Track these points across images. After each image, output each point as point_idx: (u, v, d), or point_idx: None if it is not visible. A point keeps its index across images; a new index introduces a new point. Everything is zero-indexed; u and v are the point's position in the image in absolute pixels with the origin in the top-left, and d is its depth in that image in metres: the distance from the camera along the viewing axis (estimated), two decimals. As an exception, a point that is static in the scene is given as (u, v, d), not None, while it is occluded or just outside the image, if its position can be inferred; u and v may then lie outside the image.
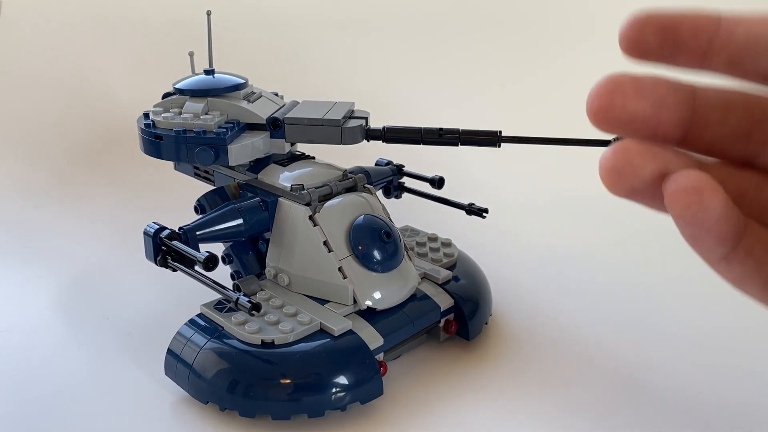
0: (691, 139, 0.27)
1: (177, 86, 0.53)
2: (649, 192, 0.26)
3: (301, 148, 0.57)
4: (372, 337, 0.46)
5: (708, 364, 0.50)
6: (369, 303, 0.48)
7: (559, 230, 0.72)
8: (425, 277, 0.52)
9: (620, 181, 0.26)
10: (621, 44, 0.27)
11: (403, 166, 0.61)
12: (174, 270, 0.46)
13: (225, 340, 0.45)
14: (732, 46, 0.26)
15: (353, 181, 0.52)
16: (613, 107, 0.26)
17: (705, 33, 0.26)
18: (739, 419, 0.45)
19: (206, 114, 0.51)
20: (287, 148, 0.52)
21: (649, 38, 0.27)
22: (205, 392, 0.44)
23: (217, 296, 0.47)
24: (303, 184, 0.49)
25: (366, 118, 0.51)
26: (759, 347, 0.52)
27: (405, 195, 0.62)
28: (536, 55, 0.97)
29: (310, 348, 0.44)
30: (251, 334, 0.44)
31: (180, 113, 0.51)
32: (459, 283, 0.53)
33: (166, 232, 0.46)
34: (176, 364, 0.46)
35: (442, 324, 0.51)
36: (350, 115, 0.52)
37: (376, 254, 0.48)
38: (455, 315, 0.52)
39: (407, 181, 0.62)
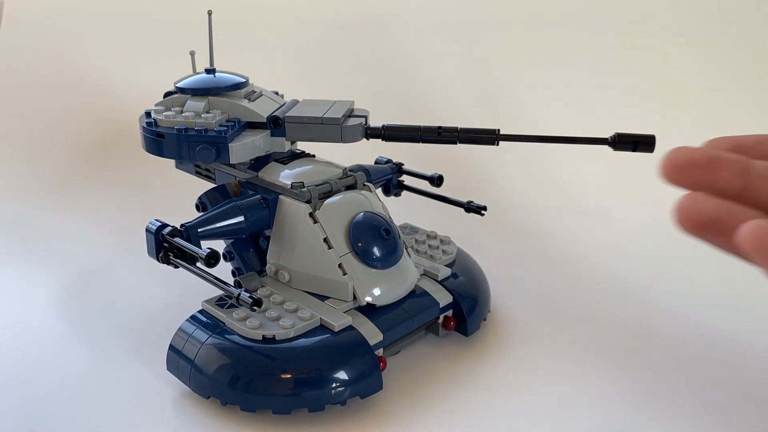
0: (753, 190, 0.33)
1: (178, 85, 0.54)
2: (714, 231, 0.31)
3: (302, 146, 0.57)
4: (372, 333, 0.46)
5: (706, 360, 0.51)
6: (369, 299, 0.48)
7: (557, 227, 0.73)
8: (424, 273, 0.53)
9: (688, 217, 0.32)
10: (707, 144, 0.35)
11: (403, 165, 0.62)
12: (176, 266, 0.46)
13: (226, 336, 0.45)
14: None
15: (353, 179, 0.52)
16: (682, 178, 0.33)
17: (766, 141, 0.35)
18: (738, 418, 0.45)
19: (207, 113, 0.52)
20: (287, 146, 0.53)
21: (723, 145, 0.35)
22: (207, 387, 0.45)
23: (218, 292, 0.47)
24: (303, 182, 0.50)
25: (365, 117, 0.52)
26: (760, 347, 0.53)
27: (404, 193, 0.63)
28: (534, 54, 0.97)
29: (311, 343, 0.45)
30: (252, 330, 0.45)
31: (181, 112, 0.52)
32: (458, 280, 0.53)
33: (168, 229, 0.46)
34: (178, 359, 0.46)
35: (441, 320, 0.52)
36: (350, 114, 0.52)
37: (376, 251, 0.48)
38: (454, 311, 0.52)
39: (406, 179, 0.62)
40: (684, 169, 0.33)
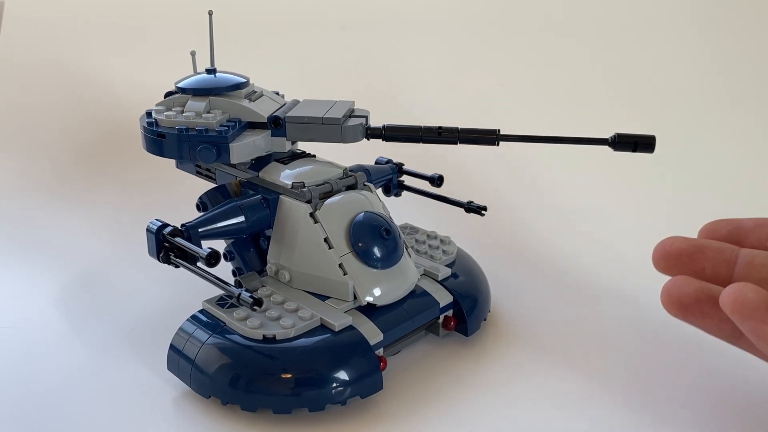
0: (739, 278, 0.35)
1: (179, 85, 0.54)
2: (698, 309, 0.34)
3: (302, 146, 0.57)
4: (372, 333, 0.46)
5: (704, 359, 0.51)
6: (369, 299, 0.48)
7: (556, 227, 0.73)
8: (424, 273, 0.53)
9: (671, 298, 0.35)
10: (700, 235, 0.39)
11: (403, 165, 0.62)
12: (176, 266, 0.46)
13: (227, 336, 0.45)
14: None
15: (353, 179, 0.52)
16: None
17: (766, 225, 0.37)
18: (738, 417, 0.45)
19: (208, 113, 0.52)
20: (288, 146, 0.53)
21: (721, 228, 0.38)
22: (207, 387, 0.45)
23: (219, 292, 0.48)
24: (304, 182, 0.50)
25: (366, 117, 0.52)
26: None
27: (405, 193, 0.63)
28: (535, 54, 0.97)
29: (311, 343, 0.45)
30: (253, 330, 0.45)
31: (182, 112, 0.52)
32: (458, 280, 0.53)
33: (168, 228, 0.46)
34: (179, 359, 0.46)
35: (441, 320, 0.52)
36: (350, 114, 0.52)
37: (376, 251, 0.48)
38: (454, 311, 0.52)
39: (407, 180, 0.62)
40: (672, 259, 0.36)
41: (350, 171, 0.53)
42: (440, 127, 0.49)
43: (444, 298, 0.51)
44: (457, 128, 0.49)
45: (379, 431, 0.44)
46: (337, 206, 0.50)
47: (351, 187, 0.52)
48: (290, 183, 0.50)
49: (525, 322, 0.56)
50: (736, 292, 0.30)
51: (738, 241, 0.37)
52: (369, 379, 0.45)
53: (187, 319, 0.48)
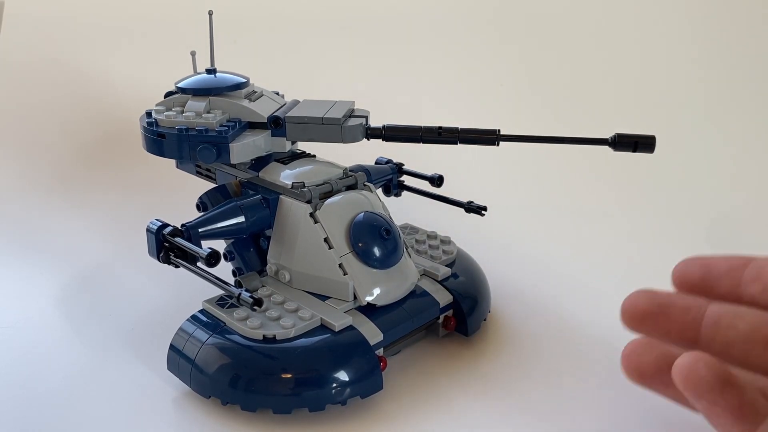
0: (706, 341, 0.34)
1: (179, 85, 0.54)
2: (659, 378, 0.33)
3: (302, 146, 0.57)
4: (372, 333, 0.46)
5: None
6: (369, 299, 0.48)
7: (557, 228, 0.73)
8: (424, 274, 0.53)
9: (630, 365, 0.34)
10: (673, 279, 0.37)
11: (403, 165, 0.62)
12: (176, 266, 0.46)
13: (227, 336, 0.45)
14: (765, 277, 0.34)
15: (353, 179, 0.52)
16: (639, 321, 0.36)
17: (738, 269, 0.35)
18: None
19: (208, 113, 0.52)
20: (288, 146, 0.53)
21: (694, 272, 0.36)
22: (208, 387, 0.45)
23: (219, 292, 0.48)
24: (304, 182, 0.50)
25: (366, 117, 0.52)
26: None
27: (404, 193, 0.63)
28: (534, 54, 0.97)
29: (311, 343, 0.45)
30: (253, 330, 0.45)
31: (182, 112, 0.52)
32: (458, 280, 0.53)
33: (168, 228, 0.46)
34: (179, 359, 0.46)
35: (441, 320, 0.52)
36: (350, 114, 0.52)
37: (376, 251, 0.48)
38: (454, 311, 0.52)
39: (407, 180, 0.62)
40: (637, 321, 0.36)
41: (350, 171, 0.53)
42: (440, 127, 0.49)
43: (444, 298, 0.51)
44: (457, 128, 0.49)
45: (379, 431, 0.44)
46: (337, 206, 0.50)
47: (351, 187, 0.52)
48: (290, 183, 0.50)
49: (525, 322, 0.56)
50: (687, 367, 0.28)
51: (709, 288, 0.36)
52: (369, 379, 0.45)
53: (187, 319, 0.48)
